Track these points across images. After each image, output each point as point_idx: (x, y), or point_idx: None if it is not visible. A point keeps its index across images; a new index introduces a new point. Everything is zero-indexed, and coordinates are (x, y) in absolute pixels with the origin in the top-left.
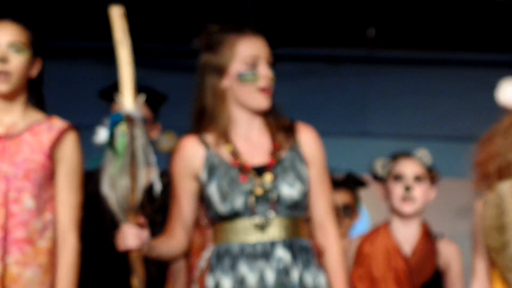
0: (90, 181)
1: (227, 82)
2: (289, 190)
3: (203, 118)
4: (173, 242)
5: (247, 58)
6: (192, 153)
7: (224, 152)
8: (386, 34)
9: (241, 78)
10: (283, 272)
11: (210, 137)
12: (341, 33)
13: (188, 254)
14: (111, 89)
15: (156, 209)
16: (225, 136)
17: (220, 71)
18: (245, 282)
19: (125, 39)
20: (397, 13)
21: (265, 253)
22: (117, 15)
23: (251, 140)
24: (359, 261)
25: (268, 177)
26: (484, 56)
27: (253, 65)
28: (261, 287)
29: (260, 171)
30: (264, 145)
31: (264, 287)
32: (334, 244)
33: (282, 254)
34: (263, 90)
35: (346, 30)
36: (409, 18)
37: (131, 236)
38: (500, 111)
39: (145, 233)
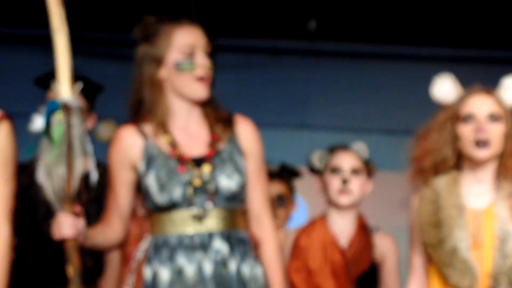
0: (22, 174)
1: (164, 72)
2: (227, 182)
3: (141, 108)
4: (109, 232)
5: (184, 47)
6: (130, 143)
7: (163, 142)
8: (327, 27)
9: (178, 67)
10: (221, 264)
11: (148, 128)
12: (282, 26)
13: (123, 244)
14: (48, 77)
15: (91, 200)
16: (163, 127)
17: (157, 61)
18: (183, 273)
19: (62, 27)
20: (337, 6)
21: (203, 244)
22: (54, 2)
23: (190, 131)
24: (295, 254)
25: (206, 168)
26: (423, 50)
27: (190, 54)
28: (199, 279)
29: (198, 162)
30: (203, 137)
31: (202, 278)
32: (270, 236)
33: (219, 245)
34: (200, 79)
35: (287, 23)
36: (349, 12)
37: (66, 225)
38: (439, 105)
39: (80, 222)
